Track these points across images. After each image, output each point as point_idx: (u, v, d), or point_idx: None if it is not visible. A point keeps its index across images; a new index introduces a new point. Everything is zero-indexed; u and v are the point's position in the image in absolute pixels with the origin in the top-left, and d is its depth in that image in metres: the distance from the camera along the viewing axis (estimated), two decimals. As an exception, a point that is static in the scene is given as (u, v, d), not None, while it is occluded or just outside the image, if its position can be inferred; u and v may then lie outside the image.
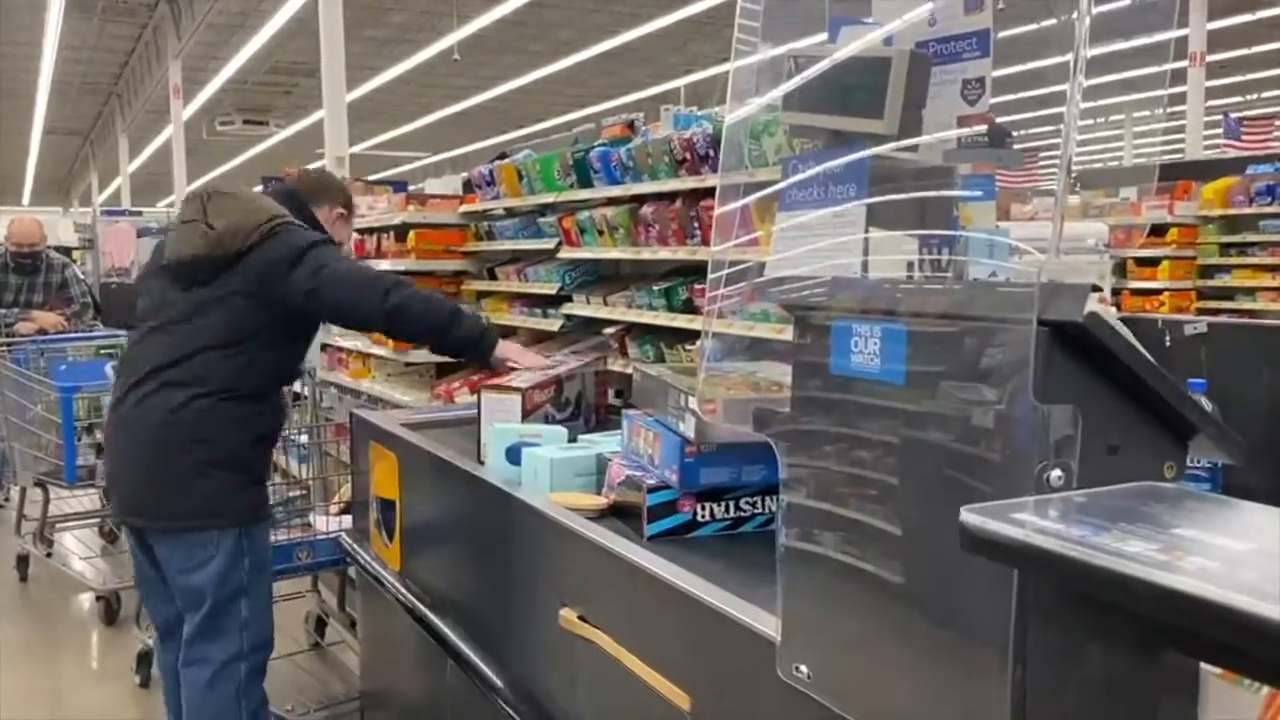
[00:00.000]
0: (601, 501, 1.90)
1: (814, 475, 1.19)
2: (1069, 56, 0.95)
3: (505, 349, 2.75)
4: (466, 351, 2.83)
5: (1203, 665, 0.87)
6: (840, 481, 1.15)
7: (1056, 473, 0.90)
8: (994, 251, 1.60)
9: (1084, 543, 0.74)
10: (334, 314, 2.79)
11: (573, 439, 2.23)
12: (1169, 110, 17.15)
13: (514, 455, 2.14)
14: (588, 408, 2.73)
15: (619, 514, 1.87)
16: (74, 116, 20.21)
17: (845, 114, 1.51)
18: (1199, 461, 1.65)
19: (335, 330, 5.77)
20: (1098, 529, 0.77)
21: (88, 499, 5.52)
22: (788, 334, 1.28)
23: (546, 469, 2.00)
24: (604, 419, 2.81)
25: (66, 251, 11.22)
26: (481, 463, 2.28)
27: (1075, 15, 1.03)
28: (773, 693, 1.24)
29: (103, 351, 5.45)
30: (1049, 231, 1.08)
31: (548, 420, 2.44)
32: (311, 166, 3.33)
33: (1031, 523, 0.79)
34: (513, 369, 2.65)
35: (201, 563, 2.62)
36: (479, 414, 2.36)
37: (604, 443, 2.16)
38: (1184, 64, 11.84)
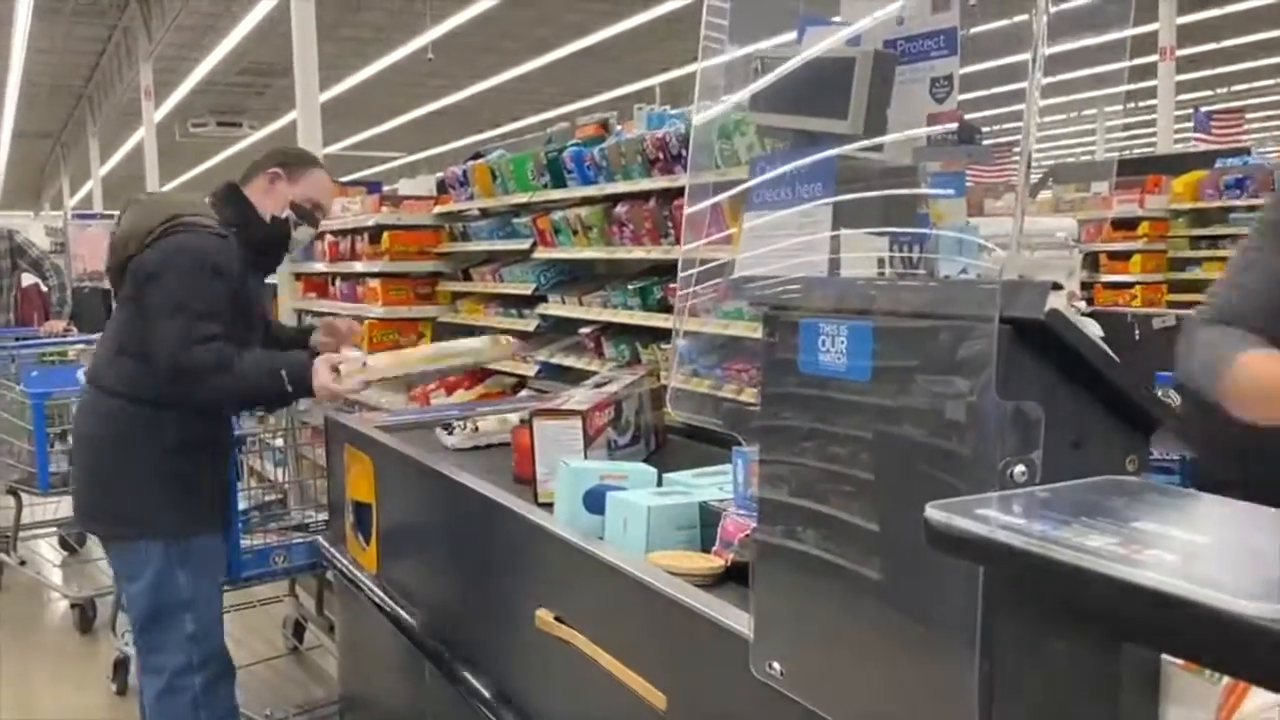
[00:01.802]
0: (718, 563, 1.56)
1: (784, 472, 1.20)
2: (1028, 55, 0.96)
3: (319, 376, 2.56)
4: (289, 397, 2.68)
5: (1164, 657, 0.89)
6: (809, 478, 1.15)
7: (1020, 468, 0.91)
8: (963, 248, 1.61)
9: (1045, 538, 0.75)
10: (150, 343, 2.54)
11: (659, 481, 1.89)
12: (1139, 105, 17.32)
13: (594, 502, 1.77)
14: (647, 430, 2.43)
15: (738, 577, 1.49)
16: (44, 119, 19.99)
17: (810, 114, 1.52)
18: (1168, 454, 1.67)
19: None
20: (1059, 524, 0.77)
21: (62, 506, 5.46)
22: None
23: (643, 520, 1.65)
24: (663, 443, 2.53)
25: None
26: (540, 504, 1.99)
27: (1034, 13, 1.04)
28: (747, 691, 1.25)
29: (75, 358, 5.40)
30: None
31: (611, 448, 2.16)
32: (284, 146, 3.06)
33: (994, 518, 0.80)
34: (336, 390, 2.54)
35: (135, 573, 2.63)
36: (532, 443, 2.05)
37: (701, 485, 1.81)
38: (1154, 59, 11.93)
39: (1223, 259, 8.57)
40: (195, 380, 2.49)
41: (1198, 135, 12.86)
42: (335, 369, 2.58)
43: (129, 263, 2.58)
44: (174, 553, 2.61)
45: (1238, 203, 8.47)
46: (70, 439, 4.33)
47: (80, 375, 4.38)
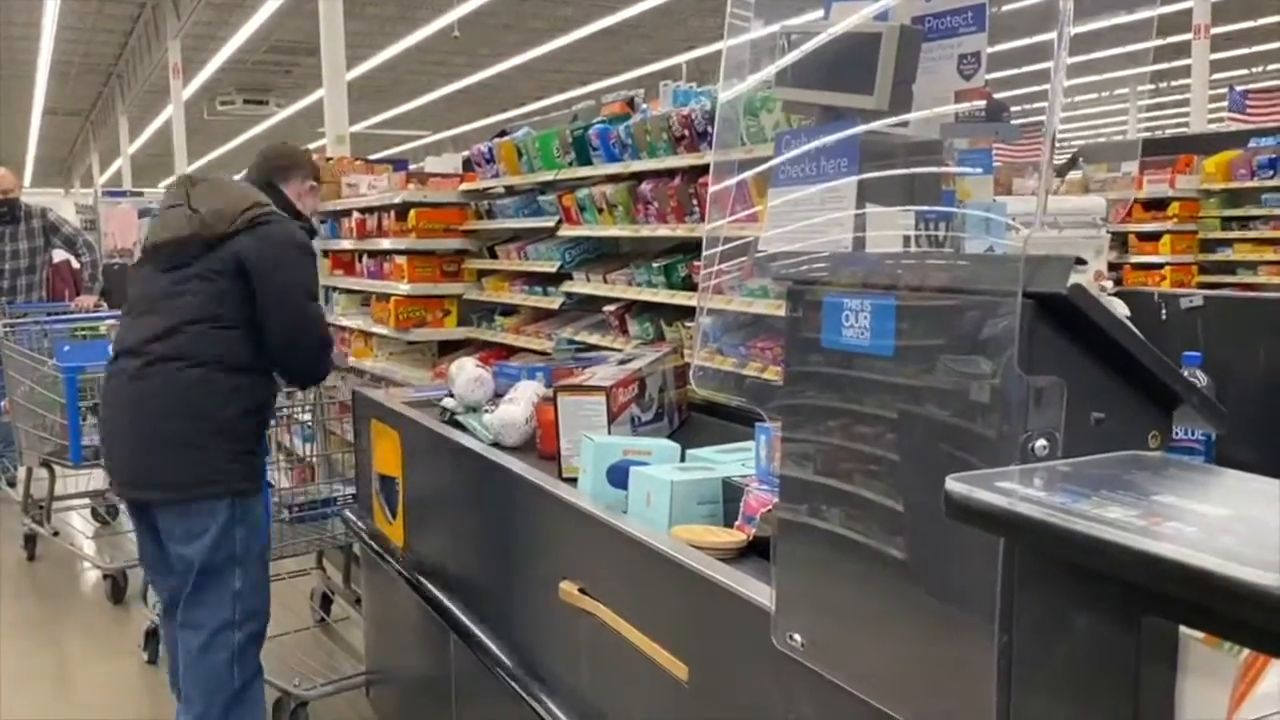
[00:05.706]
0: (740, 537, 1.57)
1: (805, 448, 1.21)
2: (1053, 34, 0.96)
3: None
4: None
5: (1183, 629, 0.89)
6: (831, 453, 1.16)
7: (1041, 442, 0.91)
8: (989, 226, 1.61)
9: (1065, 509, 0.76)
10: (274, 341, 2.78)
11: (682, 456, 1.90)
12: (1171, 84, 17.07)
13: (618, 476, 1.79)
14: (670, 407, 2.44)
15: (760, 550, 1.53)
16: (74, 97, 20.14)
17: (836, 89, 1.51)
18: (1193, 433, 1.67)
19: (338, 310, 5.78)
20: (1079, 496, 0.78)
21: (94, 478, 5.54)
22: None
23: (666, 495, 1.66)
24: (686, 420, 2.55)
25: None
26: (564, 479, 2.00)
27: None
28: (768, 661, 1.27)
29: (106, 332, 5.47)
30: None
31: (634, 424, 2.17)
32: (287, 144, 3.45)
33: (1015, 491, 0.80)
34: None
35: (199, 533, 2.68)
36: (556, 419, 2.05)
37: (724, 461, 1.83)
38: (1188, 37, 11.75)
39: (1254, 240, 8.46)
40: (331, 350, 2.94)
41: (1233, 114, 12.66)
42: None
43: (218, 242, 2.73)
44: (236, 509, 2.70)
45: (1271, 183, 8.33)
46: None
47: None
